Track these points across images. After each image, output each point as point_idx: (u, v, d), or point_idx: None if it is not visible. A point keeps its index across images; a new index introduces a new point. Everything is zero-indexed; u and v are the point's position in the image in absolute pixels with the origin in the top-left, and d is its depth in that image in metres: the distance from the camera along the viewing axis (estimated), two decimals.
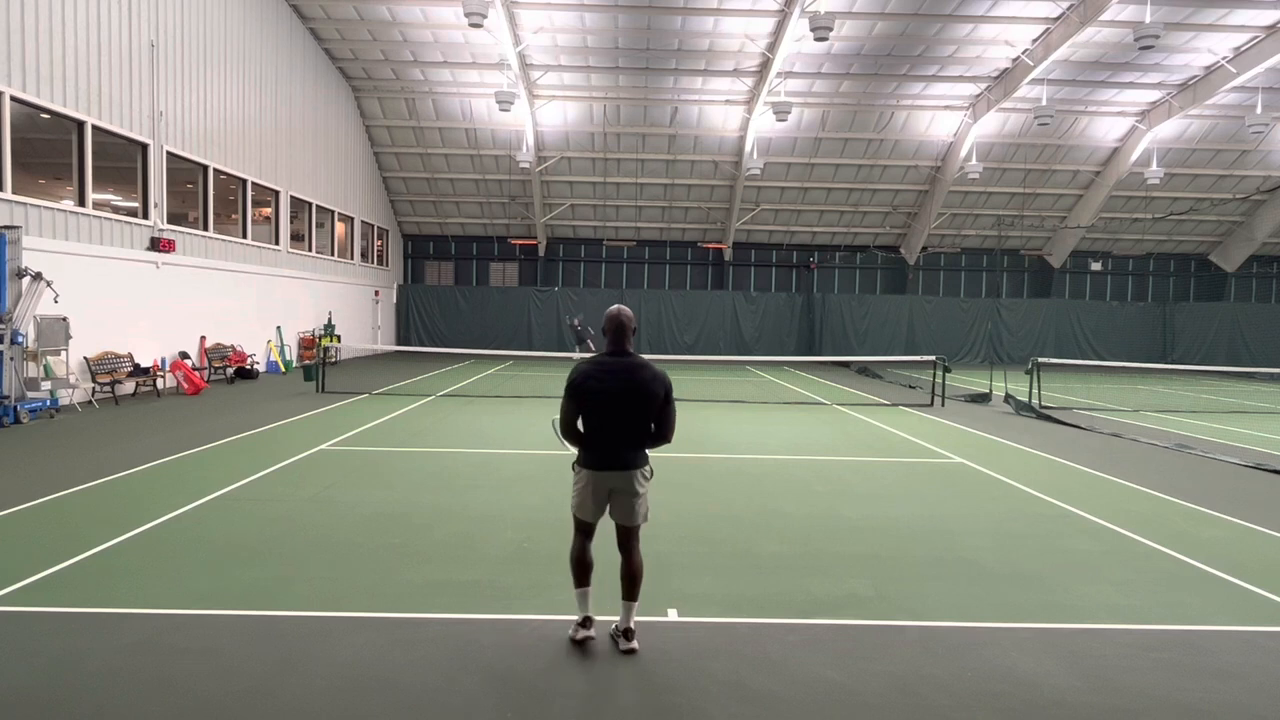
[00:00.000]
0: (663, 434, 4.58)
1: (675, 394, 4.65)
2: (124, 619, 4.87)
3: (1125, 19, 22.09)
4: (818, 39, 20.36)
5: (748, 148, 29.33)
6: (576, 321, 28.91)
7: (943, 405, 17.52)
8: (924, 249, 34.86)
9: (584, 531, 4.71)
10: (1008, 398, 17.54)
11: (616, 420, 4.46)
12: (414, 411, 14.82)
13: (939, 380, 18.03)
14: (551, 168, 31.43)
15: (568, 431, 4.60)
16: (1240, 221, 34.26)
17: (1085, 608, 5.41)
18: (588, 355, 27.39)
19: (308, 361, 23.07)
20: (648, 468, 4.59)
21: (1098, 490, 9.23)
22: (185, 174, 18.76)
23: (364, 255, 30.57)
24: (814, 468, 10.19)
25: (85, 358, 14.65)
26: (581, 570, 4.69)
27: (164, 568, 5.78)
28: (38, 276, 12.72)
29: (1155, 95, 27.68)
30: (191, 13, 18.34)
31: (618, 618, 4.73)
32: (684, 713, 3.90)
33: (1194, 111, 27.55)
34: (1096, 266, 35.52)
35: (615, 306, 4.63)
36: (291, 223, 24.02)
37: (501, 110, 26.06)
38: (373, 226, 31.49)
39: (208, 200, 19.32)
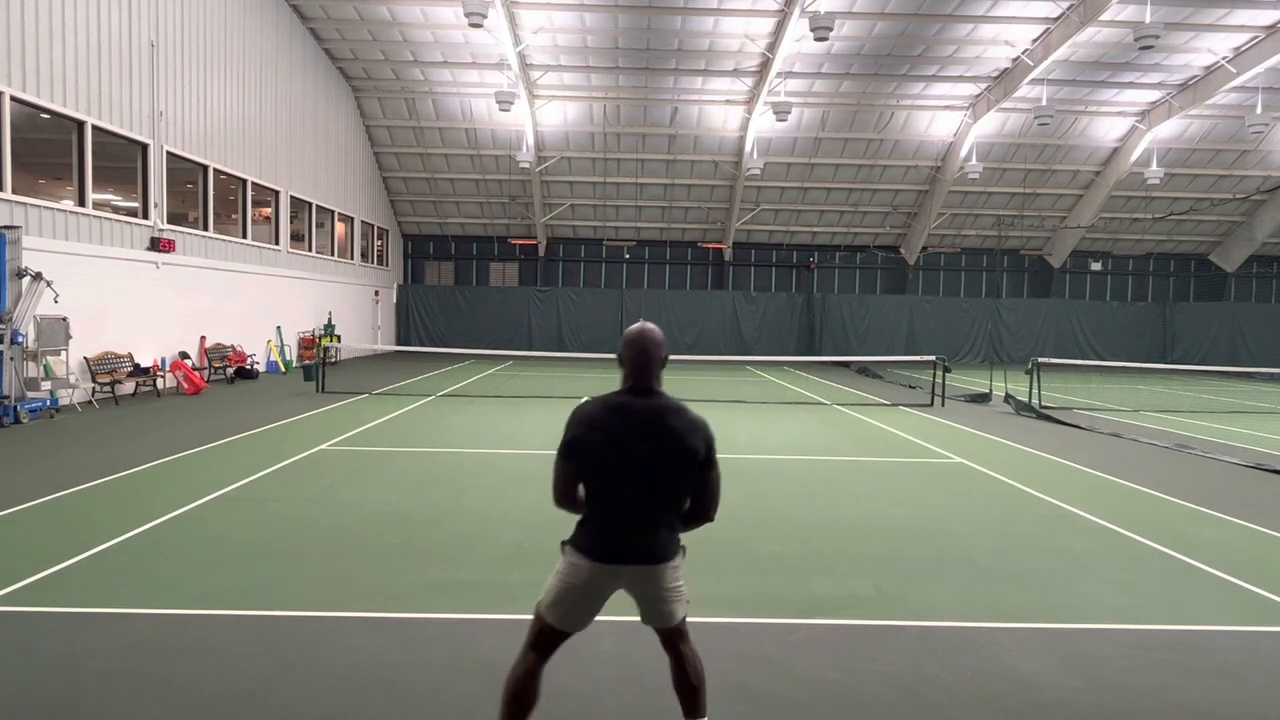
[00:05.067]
0: (703, 512, 3.23)
1: (681, 396, 3.68)
2: (124, 619, 4.87)
3: (1125, 19, 22.09)
4: (818, 39, 20.36)
5: (748, 148, 29.33)
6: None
7: (943, 405, 17.52)
8: (924, 249, 34.86)
9: (545, 645, 3.25)
10: (1008, 398, 17.53)
11: (637, 488, 3.08)
12: (414, 411, 14.82)
13: (939, 380, 18.02)
14: (551, 168, 31.43)
15: (564, 499, 3.21)
16: (1240, 221, 34.25)
17: (1085, 608, 5.41)
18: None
19: (308, 361, 23.07)
20: (680, 556, 3.23)
21: (1098, 490, 9.23)
22: (185, 174, 18.75)
23: (364, 255, 30.57)
24: (814, 468, 10.19)
25: (85, 358, 14.64)
26: (516, 708, 3.23)
27: (164, 568, 5.77)
28: (38, 276, 12.72)
29: (1155, 95, 27.68)
30: (191, 13, 18.34)
31: (614, 617, 4.71)
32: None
33: (1194, 111, 27.54)
34: (1096, 266, 35.52)
35: (639, 325, 3.23)
36: (291, 223, 24.02)
37: (501, 110, 26.06)
38: (373, 226, 31.49)
39: (208, 200, 19.32)
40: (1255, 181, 31.38)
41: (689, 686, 3.34)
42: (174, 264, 17.62)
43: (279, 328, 23.20)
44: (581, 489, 3.17)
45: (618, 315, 34.07)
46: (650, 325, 3.25)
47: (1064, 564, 6.37)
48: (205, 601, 5.14)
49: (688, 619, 3.38)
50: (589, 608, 3.21)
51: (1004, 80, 26.46)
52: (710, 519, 3.26)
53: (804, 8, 21.38)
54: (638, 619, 4.99)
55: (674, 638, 3.34)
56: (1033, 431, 13.96)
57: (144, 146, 16.73)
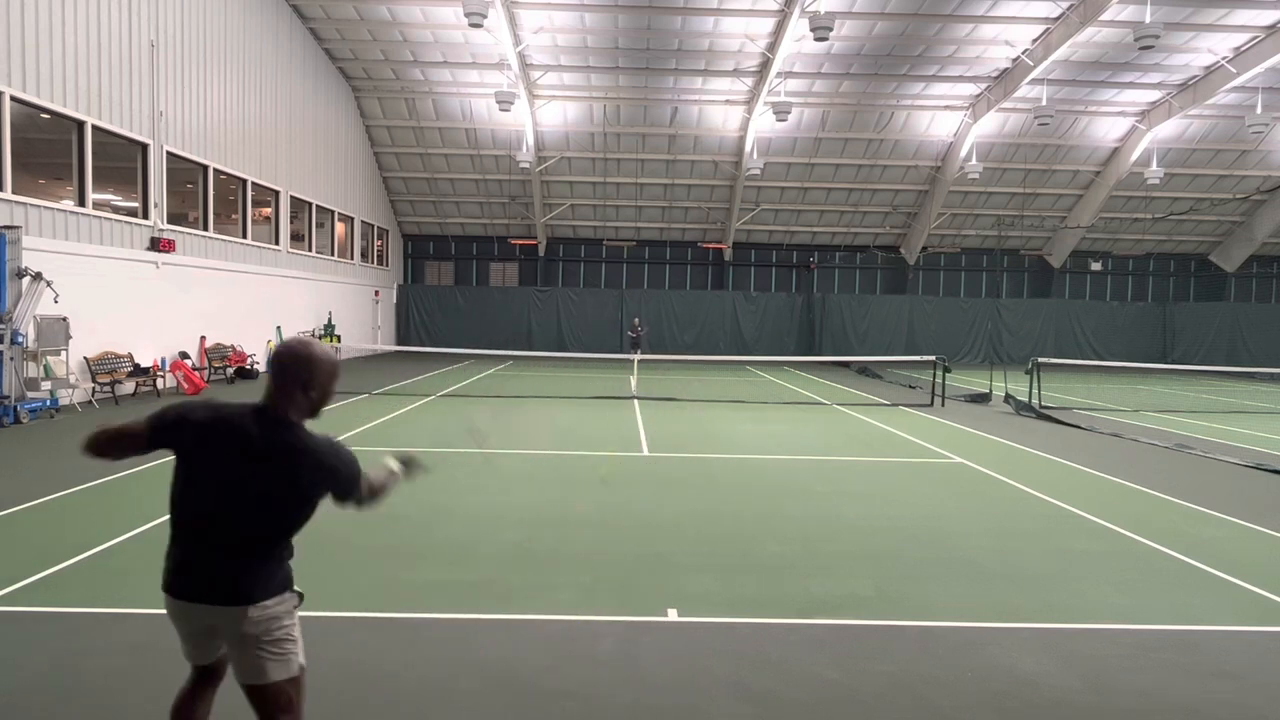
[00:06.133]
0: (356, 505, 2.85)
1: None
2: (124, 619, 4.87)
3: (1125, 19, 22.08)
4: (818, 39, 20.36)
5: (748, 148, 29.33)
6: (636, 321, 29.24)
7: (943, 405, 17.52)
8: (924, 249, 34.86)
9: (196, 672, 3.03)
10: (1008, 398, 17.53)
11: (225, 511, 2.66)
12: (414, 411, 14.82)
13: (939, 380, 18.02)
14: (551, 168, 31.43)
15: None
16: (1240, 221, 34.25)
17: (1085, 608, 5.42)
18: (638, 357, 26.50)
19: None
20: (281, 598, 2.71)
21: (1098, 490, 9.23)
22: (185, 174, 18.75)
23: (364, 255, 30.57)
24: (814, 468, 10.19)
25: (85, 358, 14.64)
26: None
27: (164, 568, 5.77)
28: (38, 276, 12.72)
29: (1155, 95, 27.68)
30: (191, 13, 18.34)
31: (614, 617, 4.71)
32: (684, 713, 3.90)
33: (1194, 111, 27.54)
34: (1096, 266, 35.52)
35: (294, 339, 2.79)
36: (291, 223, 24.01)
37: (501, 110, 26.07)
38: (373, 226, 31.49)
39: (208, 200, 19.32)
40: (1255, 181, 31.37)
41: None
42: (174, 264, 17.61)
43: (279, 327, 23.19)
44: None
45: (618, 315, 34.06)
46: (306, 341, 2.74)
47: (1064, 564, 6.37)
48: None
49: (298, 688, 2.75)
50: (198, 645, 2.84)
51: (1004, 80, 26.46)
52: (363, 505, 2.85)
53: (804, 8, 21.38)
54: (638, 618, 5.02)
55: (265, 705, 2.70)
56: (1033, 431, 13.96)
57: (144, 146, 16.73)
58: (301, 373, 2.67)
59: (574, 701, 3.98)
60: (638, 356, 24.42)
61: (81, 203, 15.03)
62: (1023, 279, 36.68)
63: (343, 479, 2.73)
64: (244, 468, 2.61)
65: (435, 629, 4.84)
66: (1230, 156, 30.76)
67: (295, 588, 2.80)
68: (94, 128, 15.14)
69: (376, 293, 31.79)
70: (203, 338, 18.80)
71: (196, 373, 17.30)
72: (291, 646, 2.74)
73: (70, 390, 13.90)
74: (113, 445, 2.88)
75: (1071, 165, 31.42)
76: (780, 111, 25.58)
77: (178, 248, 17.65)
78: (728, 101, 28.40)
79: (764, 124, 28.42)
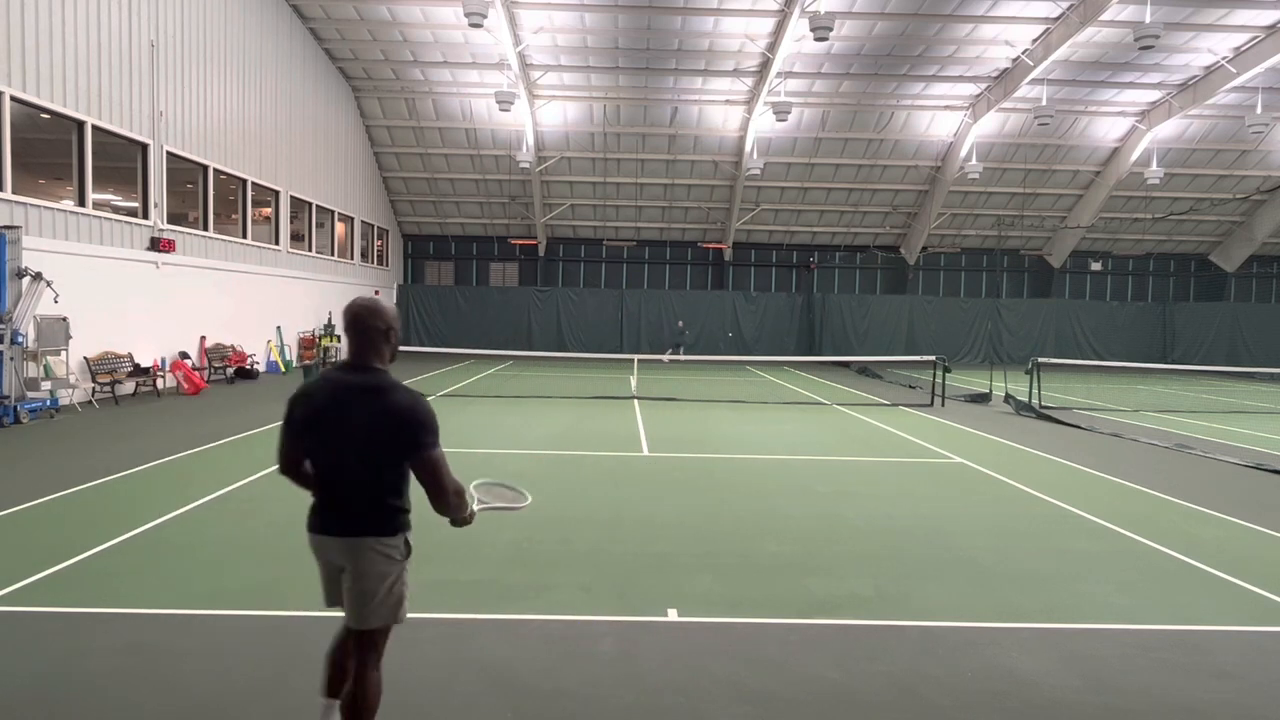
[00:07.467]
0: (434, 498, 3.23)
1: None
2: (124, 619, 4.87)
3: (1125, 19, 22.09)
4: (818, 39, 20.35)
5: (748, 148, 29.33)
6: (680, 325, 29.31)
7: (943, 405, 17.52)
8: (924, 249, 34.86)
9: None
10: (1008, 398, 17.54)
11: (336, 462, 3.10)
12: None
13: (939, 380, 18.02)
14: (551, 168, 31.43)
15: (285, 469, 3.30)
16: (1240, 221, 34.25)
17: (1085, 608, 5.41)
18: (675, 357, 27.08)
19: (308, 361, 23.07)
20: (395, 539, 3.27)
21: (1098, 490, 9.23)
22: (185, 174, 18.75)
23: (364, 255, 30.57)
24: (814, 468, 10.19)
25: (85, 358, 14.64)
26: (330, 672, 3.36)
27: (164, 568, 5.77)
28: (38, 276, 12.72)
29: (1155, 95, 27.68)
30: (191, 13, 18.33)
31: (614, 617, 4.71)
32: (684, 713, 3.90)
33: (1194, 111, 27.54)
34: (1096, 266, 35.53)
35: (358, 299, 3.14)
36: (291, 223, 24.01)
37: (501, 110, 26.07)
38: (373, 226, 31.49)
39: (208, 200, 19.32)
40: (1255, 181, 31.38)
41: (349, 707, 3.12)
42: (174, 264, 17.61)
43: (279, 328, 23.20)
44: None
45: (618, 315, 34.06)
46: (371, 298, 3.15)
47: (1064, 564, 6.37)
48: (205, 601, 5.14)
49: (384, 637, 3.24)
50: (328, 582, 3.29)
51: (1004, 80, 26.46)
52: (440, 511, 3.25)
53: (804, 8, 21.38)
54: (638, 618, 5.02)
55: (358, 646, 3.20)
56: (1033, 431, 13.96)
57: (144, 146, 16.73)
58: (378, 321, 3.04)
59: (574, 701, 3.99)
60: (668, 356, 24.30)
61: (81, 203, 15.03)
62: (1023, 279, 36.68)
63: (418, 424, 3.05)
64: (339, 416, 3.02)
65: (435, 629, 4.84)
66: (1230, 156, 30.76)
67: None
68: (94, 128, 15.13)
69: (377, 292, 31.79)
70: (203, 338, 18.80)
71: (196, 373, 17.30)
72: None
73: (70, 390, 13.90)
74: (299, 476, 3.31)
75: (1071, 165, 31.42)
76: (780, 111, 25.58)
77: (178, 248, 17.65)
78: (728, 101, 28.40)
79: (764, 124, 28.42)
